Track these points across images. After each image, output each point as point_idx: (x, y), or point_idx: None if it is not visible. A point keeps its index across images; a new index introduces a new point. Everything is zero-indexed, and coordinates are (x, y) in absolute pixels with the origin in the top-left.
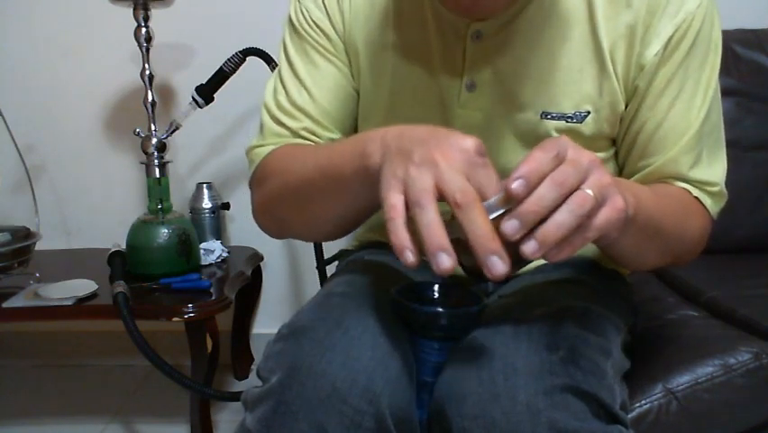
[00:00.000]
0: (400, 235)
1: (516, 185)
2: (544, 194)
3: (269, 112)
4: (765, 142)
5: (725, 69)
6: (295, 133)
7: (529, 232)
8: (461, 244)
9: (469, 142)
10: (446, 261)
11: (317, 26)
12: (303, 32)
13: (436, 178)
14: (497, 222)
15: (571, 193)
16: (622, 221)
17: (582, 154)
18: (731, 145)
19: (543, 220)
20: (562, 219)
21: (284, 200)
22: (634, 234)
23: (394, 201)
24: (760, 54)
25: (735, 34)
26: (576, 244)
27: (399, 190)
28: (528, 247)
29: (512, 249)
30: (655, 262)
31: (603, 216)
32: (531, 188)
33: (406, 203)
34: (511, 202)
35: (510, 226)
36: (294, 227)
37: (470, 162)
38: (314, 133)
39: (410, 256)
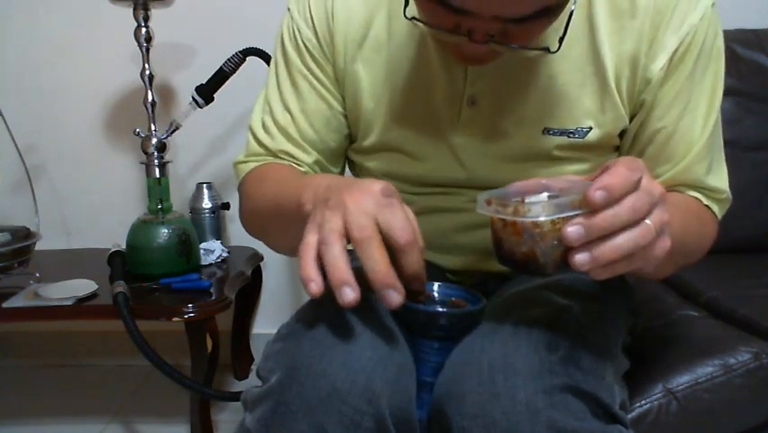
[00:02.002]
0: (307, 268)
1: (598, 195)
2: (620, 215)
3: (252, 131)
4: (765, 142)
5: (725, 69)
6: (273, 154)
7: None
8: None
9: (376, 186)
10: (349, 294)
11: (306, 48)
12: (291, 53)
13: (344, 218)
14: (562, 222)
15: (639, 221)
16: (662, 259)
17: (654, 185)
18: (731, 145)
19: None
20: (622, 244)
21: (254, 220)
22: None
23: (308, 240)
24: (760, 54)
25: (735, 34)
26: (619, 268)
27: (315, 231)
28: (580, 258)
29: (561, 252)
30: (668, 273)
31: (652, 253)
32: (610, 202)
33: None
34: (581, 207)
35: (574, 232)
36: (268, 243)
37: (377, 203)
38: (290, 155)
39: (313, 286)
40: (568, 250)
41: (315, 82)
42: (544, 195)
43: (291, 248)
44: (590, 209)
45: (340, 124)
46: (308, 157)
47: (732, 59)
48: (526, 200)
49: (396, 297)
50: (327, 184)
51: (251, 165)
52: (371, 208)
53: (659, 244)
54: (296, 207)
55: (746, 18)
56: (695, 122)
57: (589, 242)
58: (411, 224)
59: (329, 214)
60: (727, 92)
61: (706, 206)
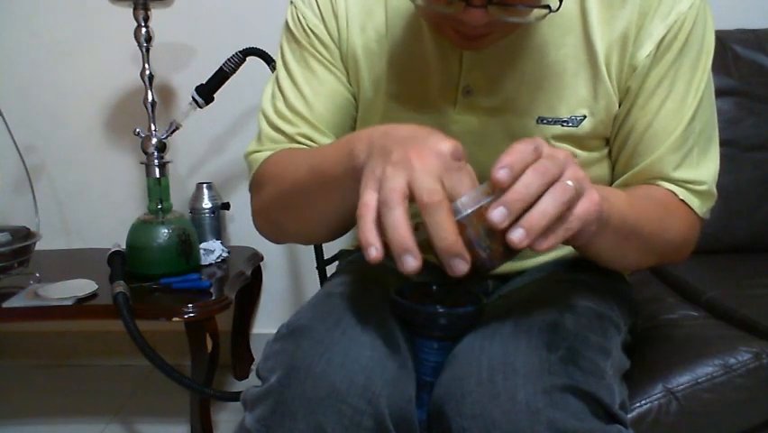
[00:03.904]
0: (367, 232)
1: (501, 174)
2: (529, 182)
3: (266, 117)
4: (765, 142)
5: (725, 69)
6: (291, 139)
7: (514, 222)
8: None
9: (446, 146)
10: (411, 262)
11: (313, 33)
12: (300, 38)
13: (409, 178)
14: (482, 212)
15: (552, 183)
16: (598, 213)
17: (557, 150)
18: (731, 145)
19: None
20: (546, 207)
21: (280, 204)
22: (609, 236)
23: (367, 199)
24: (760, 54)
25: (735, 34)
26: (559, 233)
27: (374, 189)
28: (516, 235)
29: (500, 242)
30: (637, 262)
31: (582, 207)
32: (515, 177)
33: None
34: (494, 192)
35: (498, 214)
36: (290, 231)
37: (445, 165)
38: (310, 138)
39: (373, 252)
40: (503, 235)
41: (327, 63)
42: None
43: (333, 218)
44: (501, 191)
45: (352, 106)
46: (326, 139)
47: (732, 59)
48: None
49: (462, 264)
50: (384, 130)
51: (266, 153)
52: (439, 171)
53: (586, 197)
54: (344, 163)
55: (746, 18)
56: (677, 113)
57: (517, 219)
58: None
59: (391, 170)
60: (727, 92)
61: (682, 200)
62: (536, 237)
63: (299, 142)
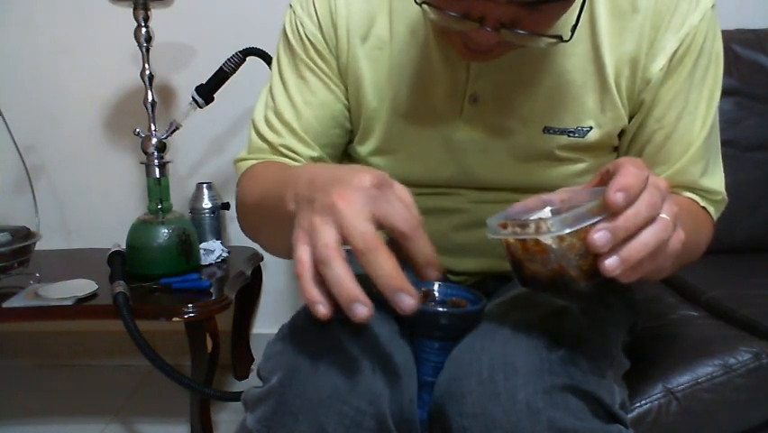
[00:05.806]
0: (309, 290)
1: (619, 196)
2: (640, 213)
3: (255, 126)
4: (765, 142)
5: (725, 69)
6: (275, 149)
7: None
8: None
9: (365, 178)
10: (362, 311)
11: (310, 42)
12: (296, 46)
13: (338, 225)
14: (584, 231)
15: (656, 216)
16: (682, 251)
17: (659, 180)
18: (731, 145)
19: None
20: (647, 241)
21: (247, 221)
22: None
23: (300, 255)
24: (760, 54)
25: (735, 34)
26: (647, 267)
27: (306, 243)
28: (610, 263)
29: (591, 263)
30: (667, 275)
31: (672, 246)
32: (629, 203)
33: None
34: (600, 212)
35: (602, 238)
36: (262, 245)
37: (370, 197)
38: (293, 150)
39: (321, 309)
40: (596, 258)
41: (321, 75)
42: (547, 210)
43: (286, 249)
44: (610, 213)
45: (345, 118)
46: (311, 152)
47: (732, 59)
48: (543, 217)
49: (409, 300)
50: (308, 178)
51: (251, 162)
52: (366, 205)
53: (675, 236)
54: (281, 206)
55: (746, 18)
56: (693, 123)
57: (615, 245)
58: (411, 209)
59: (319, 221)
60: (727, 92)
61: (702, 207)
62: (628, 269)
63: (282, 154)
